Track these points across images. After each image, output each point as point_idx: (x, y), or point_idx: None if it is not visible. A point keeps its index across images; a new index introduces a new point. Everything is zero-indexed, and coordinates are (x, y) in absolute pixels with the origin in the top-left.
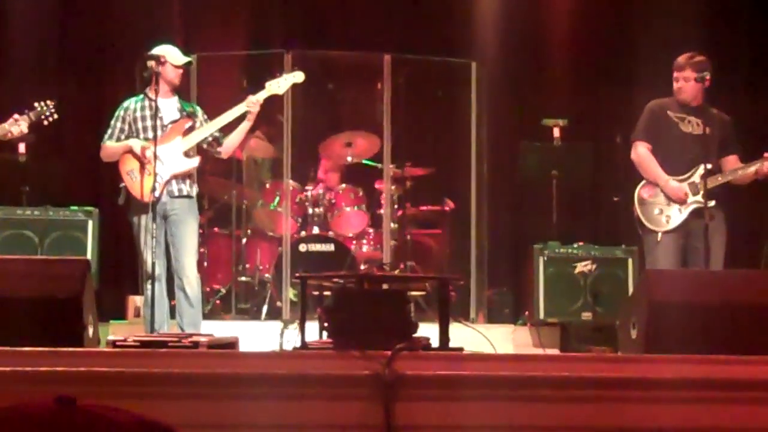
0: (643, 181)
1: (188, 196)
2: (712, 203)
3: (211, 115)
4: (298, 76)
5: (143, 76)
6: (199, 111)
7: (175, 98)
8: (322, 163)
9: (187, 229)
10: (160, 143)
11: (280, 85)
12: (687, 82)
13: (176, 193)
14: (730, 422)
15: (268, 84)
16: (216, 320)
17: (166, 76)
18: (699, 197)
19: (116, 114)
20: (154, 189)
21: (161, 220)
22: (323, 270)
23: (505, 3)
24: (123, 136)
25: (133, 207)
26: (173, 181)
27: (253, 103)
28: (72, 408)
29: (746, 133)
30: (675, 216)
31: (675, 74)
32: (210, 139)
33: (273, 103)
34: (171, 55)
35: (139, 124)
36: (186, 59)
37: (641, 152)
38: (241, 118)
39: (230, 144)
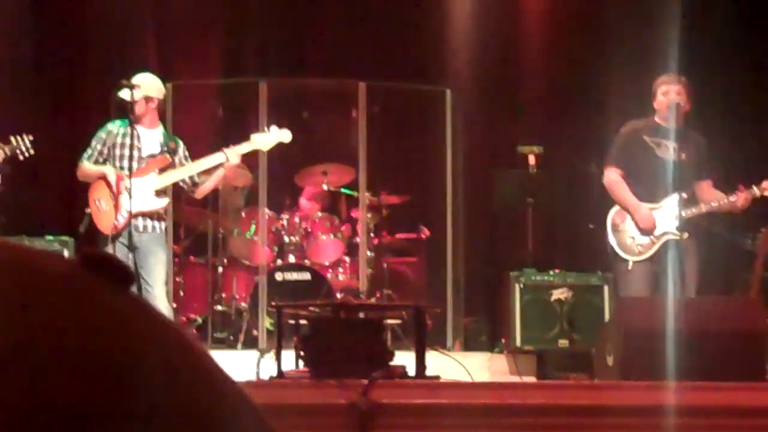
0: (616, 207)
1: (154, 231)
2: (685, 236)
3: (188, 143)
4: (285, 136)
5: (118, 104)
6: (181, 146)
7: (159, 129)
8: (306, 190)
9: (156, 260)
10: (134, 176)
11: (267, 140)
12: (679, 95)
13: (141, 229)
14: None
15: (253, 137)
16: None
17: (142, 107)
18: (672, 228)
19: (98, 135)
20: (121, 222)
21: (131, 252)
22: (299, 299)
23: (479, 30)
24: (101, 159)
25: (101, 237)
26: (139, 218)
27: (234, 155)
28: None
29: (723, 156)
30: (646, 246)
31: (663, 87)
32: (187, 180)
33: (248, 127)
34: (150, 86)
35: (117, 151)
36: (161, 91)
37: (612, 178)
38: (219, 163)
39: (204, 189)
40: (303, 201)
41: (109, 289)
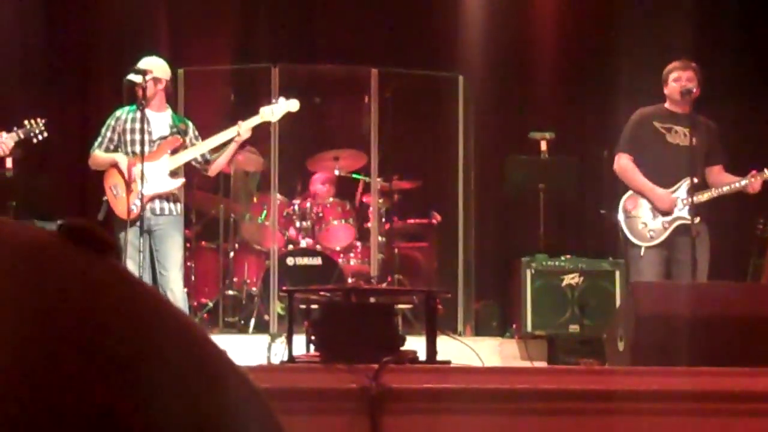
0: (628, 193)
1: (171, 214)
2: (697, 220)
3: (199, 129)
4: (293, 105)
5: (130, 91)
6: (191, 127)
7: (168, 112)
8: (318, 175)
9: (172, 243)
10: (146, 160)
11: (274, 112)
12: (690, 82)
13: (158, 212)
14: None
15: (262, 110)
16: None
17: (152, 90)
18: (684, 212)
19: (107, 123)
20: (138, 206)
21: (146, 236)
22: (310, 283)
23: (492, 16)
24: (112, 146)
25: (117, 222)
26: (156, 200)
27: (244, 129)
28: None
29: (733, 141)
30: (659, 231)
31: (675, 73)
32: (199, 158)
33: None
34: (158, 68)
35: (128, 136)
36: (167, 73)
37: (623, 163)
38: (230, 139)
39: (218, 165)
40: (317, 186)
41: (85, 257)
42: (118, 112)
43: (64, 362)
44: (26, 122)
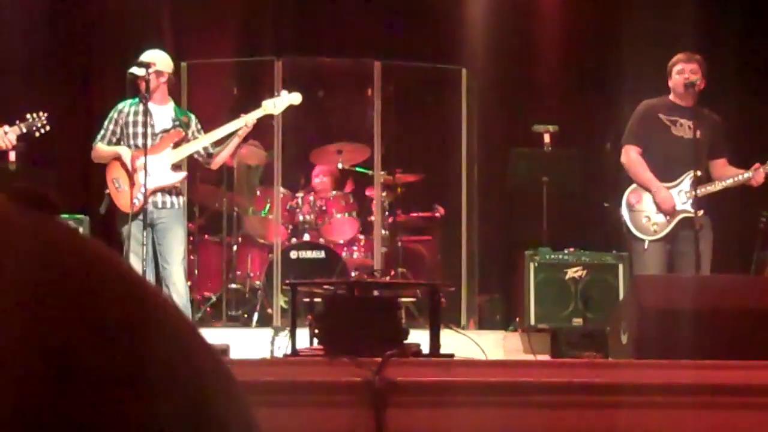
0: (631, 186)
1: (173, 207)
2: (700, 213)
3: (203, 122)
4: (295, 98)
5: (133, 83)
6: (193, 120)
7: (170, 105)
8: (316, 168)
9: (174, 237)
10: (149, 153)
11: (276, 105)
12: (694, 75)
13: (160, 205)
14: (719, 427)
15: (264, 103)
16: (207, 328)
17: (154, 83)
18: (687, 206)
19: (110, 115)
20: (141, 199)
21: (149, 229)
22: (314, 277)
23: (494, 9)
24: (114, 139)
25: (120, 216)
26: (158, 193)
27: (247, 122)
28: None
29: (737, 135)
30: (662, 225)
31: (679, 66)
32: (202, 152)
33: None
34: (160, 61)
35: (130, 129)
36: (170, 66)
37: (633, 156)
38: (233, 132)
39: (221, 158)
40: (314, 180)
41: (37, 217)
42: (120, 105)
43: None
44: (28, 116)
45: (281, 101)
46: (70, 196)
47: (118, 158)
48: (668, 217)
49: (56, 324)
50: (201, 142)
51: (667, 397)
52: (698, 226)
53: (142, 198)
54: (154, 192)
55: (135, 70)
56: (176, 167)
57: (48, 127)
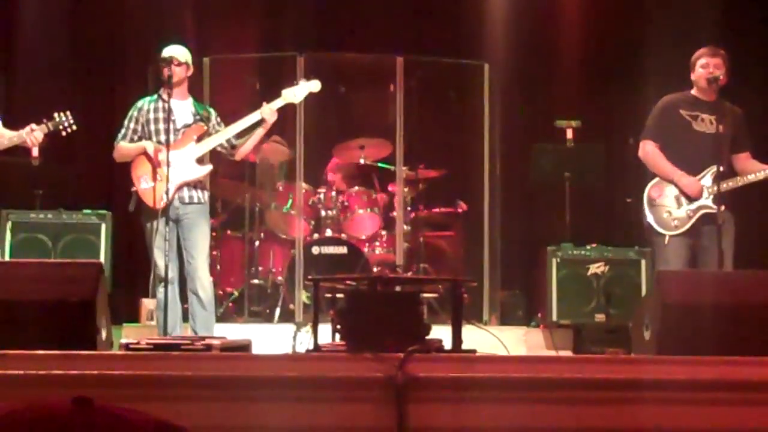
0: (653, 181)
1: (199, 203)
2: (722, 208)
3: (224, 118)
4: (315, 86)
5: (155, 79)
6: (213, 114)
7: (189, 100)
8: (331, 164)
9: (200, 232)
10: (173, 148)
11: (296, 93)
12: (718, 69)
13: (187, 200)
14: (743, 423)
15: (284, 92)
16: (229, 323)
17: (178, 77)
18: (709, 201)
19: (129, 114)
20: (166, 195)
21: (173, 224)
22: (336, 272)
23: (516, 4)
24: (136, 137)
25: (145, 212)
26: (184, 188)
27: (268, 111)
28: (89, 408)
29: (760, 128)
30: (683, 220)
31: (702, 60)
32: (225, 143)
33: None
34: (182, 56)
35: (152, 126)
36: (190, 59)
37: (648, 149)
38: (256, 123)
39: (245, 149)
40: (329, 174)
41: None
42: (139, 103)
43: None
44: (55, 115)
45: (301, 89)
46: (93, 192)
47: (144, 153)
48: (689, 212)
49: None
50: (224, 134)
51: (690, 393)
52: (720, 222)
53: (170, 194)
54: (180, 187)
55: (160, 62)
56: (200, 161)
57: (74, 127)
